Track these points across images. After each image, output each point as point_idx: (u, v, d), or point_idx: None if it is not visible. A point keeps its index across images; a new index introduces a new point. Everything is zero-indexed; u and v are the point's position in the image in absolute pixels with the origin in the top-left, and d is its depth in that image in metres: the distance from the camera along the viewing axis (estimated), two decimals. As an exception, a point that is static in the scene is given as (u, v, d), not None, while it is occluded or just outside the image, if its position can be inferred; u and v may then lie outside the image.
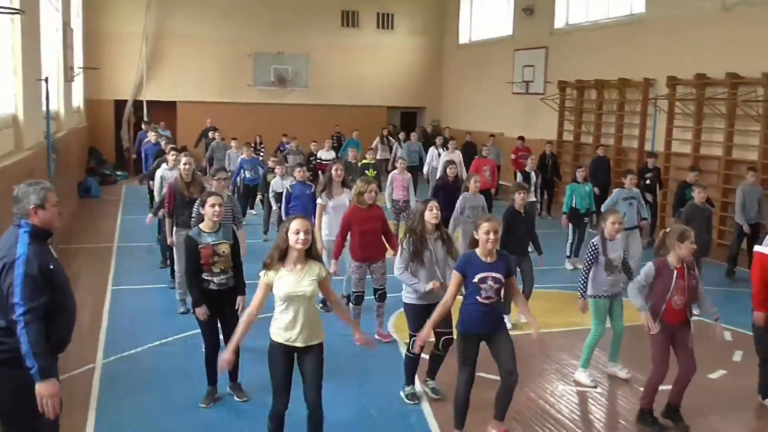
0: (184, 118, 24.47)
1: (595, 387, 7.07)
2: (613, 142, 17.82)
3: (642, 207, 11.03)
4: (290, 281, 4.99)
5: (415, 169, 17.63)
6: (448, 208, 10.74)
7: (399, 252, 6.49)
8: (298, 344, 5.05)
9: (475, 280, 5.45)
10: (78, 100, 21.13)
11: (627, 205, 10.55)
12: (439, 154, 17.18)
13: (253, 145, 20.43)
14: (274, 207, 12.08)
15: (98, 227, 14.87)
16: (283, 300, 5.01)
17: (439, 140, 18.48)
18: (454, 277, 5.62)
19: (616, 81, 17.42)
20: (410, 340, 6.41)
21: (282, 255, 5.02)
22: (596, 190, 13.10)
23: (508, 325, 8.72)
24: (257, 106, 25.08)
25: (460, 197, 9.91)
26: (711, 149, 15.08)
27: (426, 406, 6.48)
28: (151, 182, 12.19)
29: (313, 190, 10.25)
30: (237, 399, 6.48)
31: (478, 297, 5.47)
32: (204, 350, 6.47)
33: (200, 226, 6.39)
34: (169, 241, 9.13)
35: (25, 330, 3.92)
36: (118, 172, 22.90)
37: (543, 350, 8.01)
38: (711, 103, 14.82)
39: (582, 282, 7.04)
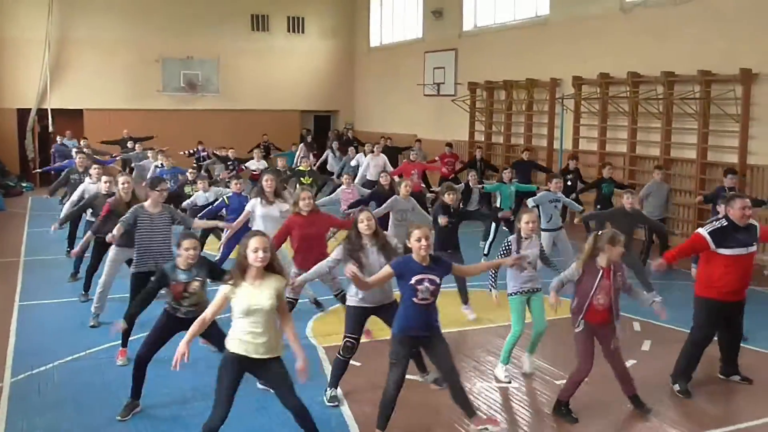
0: (92, 126, 23.69)
1: (509, 383, 7.21)
2: (523, 141, 18.24)
3: (570, 204, 11.56)
4: (249, 295, 5.02)
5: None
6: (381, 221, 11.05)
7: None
8: (255, 356, 5.08)
9: (412, 281, 5.56)
10: (-23, 109, 20.31)
11: (552, 207, 10.82)
12: (359, 165, 17.25)
13: (192, 152, 20.17)
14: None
15: (3, 241, 14.33)
16: (241, 313, 5.03)
17: (368, 147, 18.26)
18: (385, 269, 5.74)
19: (524, 81, 17.85)
20: (342, 341, 6.48)
21: (243, 272, 5.06)
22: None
23: (471, 317, 8.95)
24: (167, 113, 24.56)
25: (391, 198, 10.13)
26: (616, 146, 15.64)
27: (346, 409, 6.51)
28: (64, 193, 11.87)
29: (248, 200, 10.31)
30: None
31: (414, 298, 5.58)
32: (137, 358, 6.31)
33: (177, 261, 6.32)
34: (73, 252, 9.16)
35: None
36: (23, 184, 22.08)
37: (459, 349, 8.13)
38: (614, 101, 15.36)
39: (492, 276, 7.23)
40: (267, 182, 9.24)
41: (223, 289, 5.10)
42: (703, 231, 6.77)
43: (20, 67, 22.91)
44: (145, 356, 6.30)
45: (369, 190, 12.62)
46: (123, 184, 8.93)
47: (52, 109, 23.43)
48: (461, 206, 10.85)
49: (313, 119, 28.04)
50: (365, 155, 17.80)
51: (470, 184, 13.44)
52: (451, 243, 8.99)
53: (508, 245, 7.22)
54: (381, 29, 26.14)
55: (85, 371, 7.40)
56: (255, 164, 17.50)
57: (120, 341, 7.50)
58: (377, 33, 26.35)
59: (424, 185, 16.45)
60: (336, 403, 6.55)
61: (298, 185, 14.12)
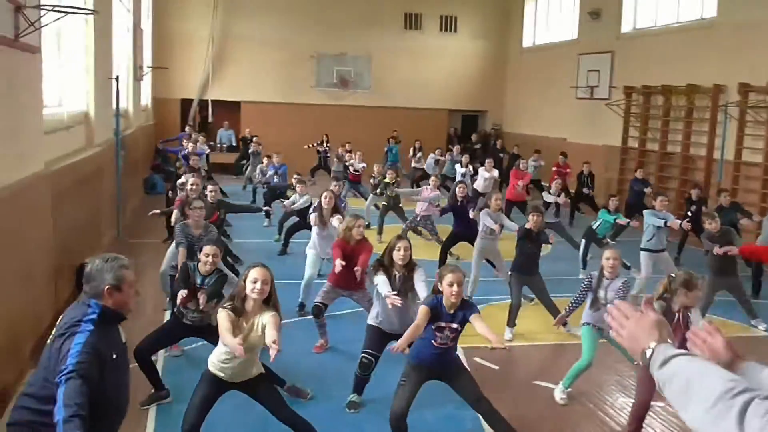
0: (248, 117, 24.81)
1: (564, 405, 6.80)
2: (680, 150, 17.43)
3: (673, 223, 10.50)
4: (241, 332, 4.87)
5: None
6: (459, 227, 10.98)
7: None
8: (234, 380, 5.10)
9: (434, 327, 5.46)
10: (146, 98, 21.64)
11: (656, 228, 10.25)
12: (464, 174, 16.86)
13: (318, 143, 20.75)
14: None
15: (163, 223, 15.12)
16: (228, 351, 4.95)
17: (465, 159, 17.93)
18: (424, 311, 5.49)
19: (684, 87, 17.03)
20: (360, 358, 6.49)
21: (242, 301, 4.95)
22: (634, 223, 12.36)
23: (509, 336, 8.63)
24: (319, 107, 25.27)
25: (482, 213, 10.00)
26: (784, 158, 14.64)
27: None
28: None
29: (343, 204, 10.75)
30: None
31: (433, 341, 5.50)
32: (136, 350, 6.30)
33: (198, 264, 6.52)
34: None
35: (64, 386, 3.39)
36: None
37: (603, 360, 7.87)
38: (784, 110, 14.39)
39: (570, 303, 7.05)
40: (326, 199, 9.12)
41: (222, 313, 4.91)
42: None
43: (185, 60, 24.19)
44: (144, 350, 6.37)
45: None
46: (191, 185, 9.20)
47: (212, 101, 24.65)
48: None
49: (461, 119, 28.00)
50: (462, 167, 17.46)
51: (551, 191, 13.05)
52: (531, 267, 8.69)
53: (589, 282, 6.88)
54: (535, 29, 25.73)
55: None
56: (357, 165, 17.11)
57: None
58: (530, 33, 25.96)
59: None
60: (354, 409, 6.45)
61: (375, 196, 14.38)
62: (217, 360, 5.11)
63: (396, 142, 22.19)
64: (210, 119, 24.35)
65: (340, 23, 25.14)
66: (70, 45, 10.47)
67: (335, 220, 8.84)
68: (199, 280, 6.48)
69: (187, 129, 21.89)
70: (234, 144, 23.56)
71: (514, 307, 8.64)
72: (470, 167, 17.22)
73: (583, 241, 12.05)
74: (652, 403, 5.94)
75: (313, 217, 9.21)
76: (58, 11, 7.35)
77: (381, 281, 6.30)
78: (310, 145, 20.75)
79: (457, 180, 14.07)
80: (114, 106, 12.78)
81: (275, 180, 15.53)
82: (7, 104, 6.40)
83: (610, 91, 20.17)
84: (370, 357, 6.44)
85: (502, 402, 5.87)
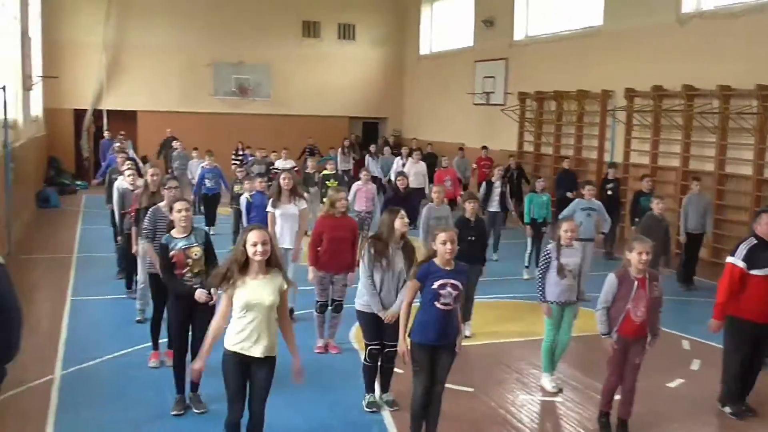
0: (145, 127, 24.28)
1: (559, 392, 7.16)
2: (573, 153, 18.07)
3: (604, 221, 10.95)
4: (250, 290, 4.97)
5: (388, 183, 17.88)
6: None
7: (362, 257, 6.53)
8: (254, 354, 5.03)
9: (435, 286, 5.51)
10: (37, 109, 20.85)
11: (585, 216, 10.53)
12: (404, 165, 17.31)
13: (235, 151, 20.52)
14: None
15: (57, 237, 14.66)
16: (241, 308, 4.98)
17: (404, 150, 18.60)
18: (411, 284, 5.69)
19: (575, 92, 17.70)
20: (366, 349, 6.53)
21: (241, 267, 5.01)
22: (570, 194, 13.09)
23: (467, 333, 8.83)
24: (218, 116, 24.98)
25: (425, 207, 9.97)
26: (668, 160, 15.37)
27: (387, 415, 6.50)
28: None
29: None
30: (195, 410, 6.43)
31: (436, 303, 5.52)
32: (172, 359, 6.47)
33: (171, 232, 6.36)
34: (133, 250, 9.00)
35: None
36: (78, 182, 22.60)
37: (502, 360, 8.09)
38: (668, 114, 15.12)
39: (539, 287, 7.17)
40: (284, 180, 9.16)
41: (223, 295, 5.06)
42: (734, 259, 6.54)
43: (78, 69, 23.48)
44: (180, 349, 6.39)
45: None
46: (152, 175, 8.99)
47: (107, 110, 23.98)
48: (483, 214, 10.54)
49: (361, 126, 28.18)
50: (402, 159, 17.83)
51: (492, 179, 13.47)
52: (474, 255, 8.67)
53: (547, 254, 7.16)
54: (431, 37, 26.19)
55: (131, 367, 7.52)
56: (281, 163, 17.40)
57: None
58: (428, 41, 26.41)
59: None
60: (374, 409, 6.54)
61: (325, 188, 14.32)
62: (234, 338, 5.03)
63: (311, 152, 22.27)
64: (105, 129, 23.65)
65: (237, 31, 24.93)
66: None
67: (302, 202, 9.04)
68: (181, 244, 6.25)
69: (106, 134, 21.36)
70: (133, 157, 22.94)
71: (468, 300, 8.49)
72: (410, 159, 17.29)
73: (528, 239, 12.14)
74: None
75: (270, 203, 9.14)
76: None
77: (368, 287, 6.37)
78: (233, 155, 20.50)
79: (395, 171, 14.27)
80: (1, 116, 12.29)
81: (206, 184, 15.08)
82: None
83: (506, 97, 20.73)
84: (376, 347, 6.47)
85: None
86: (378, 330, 6.47)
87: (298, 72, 25.92)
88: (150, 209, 7.63)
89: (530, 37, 20.37)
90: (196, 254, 6.26)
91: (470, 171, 19.53)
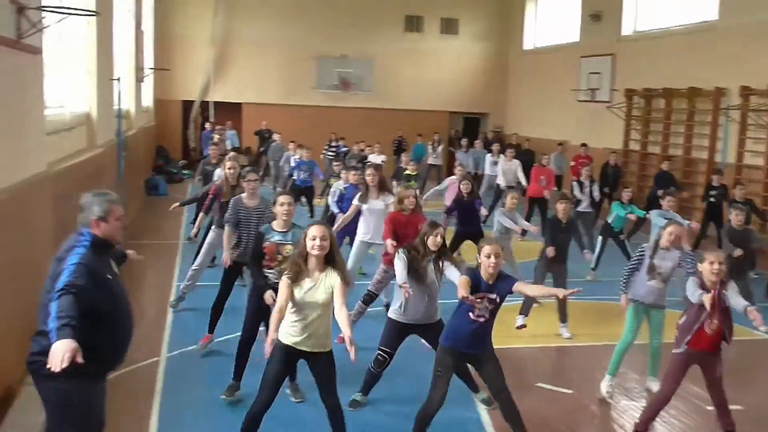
0: (249, 119, 24.87)
1: (610, 398, 6.94)
2: (682, 153, 17.43)
3: (682, 223, 10.47)
4: (305, 287, 5.04)
5: (477, 177, 17.74)
6: (463, 224, 10.93)
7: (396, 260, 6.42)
8: (303, 348, 5.11)
9: (472, 297, 5.41)
10: (148, 100, 21.63)
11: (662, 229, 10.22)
12: (495, 162, 17.09)
13: (329, 144, 20.76)
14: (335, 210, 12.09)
15: (164, 224, 15.16)
16: (295, 304, 5.05)
17: (495, 147, 18.31)
18: (464, 280, 5.43)
19: (685, 90, 17.03)
20: (375, 354, 6.49)
21: (304, 260, 5.06)
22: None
23: (567, 335, 8.69)
24: (320, 109, 25.32)
25: (497, 212, 9.99)
26: (785, 162, 14.62)
27: (483, 414, 6.44)
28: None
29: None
30: (293, 399, 6.53)
31: (470, 313, 5.45)
32: (239, 342, 6.57)
33: (272, 224, 6.44)
34: (192, 233, 9.51)
35: (56, 301, 3.68)
36: (185, 171, 23.34)
37: (603, 363, 7.87)
38: (785, 113, 14.38)
39: (624, 282, 7.03)
40: (369, 176, 9.21)
41: (284, 279, 5.08)
42: None
43: (187, 61, 24.29)
44: (246, 339, 6.54)
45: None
46: (230, 169, 9.15)
47: (214, 102, 24.68)
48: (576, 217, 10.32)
49: (462, 121, 28.01)
50: (493, 156, 17.57)
51: (581, 179, 13.30)
52: (559, 256, 8.75)
53: (641, 252, 6.97)
54: (536, 32, 25.75)
55: (234, 350, 7.67)
56: (374, 158, 17.35)
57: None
58: (531, 36, 25.98)
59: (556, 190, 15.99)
60: (355, 408, 6.45)
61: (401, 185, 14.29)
62: (288, 330, 5.13)
63: (401, 143, 22.36)
64: (211, 120, 24.38)
65: (341, 25, 25.19)
66: (72, 46, 10.48)
67: (389, 197, 9.02)
68: (277, 238, 6.31)
69: (207, 126, 21.99)
70: (237, 145, 23.56)
71: (530, 298, 8.56)
72: (502, 156, 17.11)
73: (600, 238, 11.97)
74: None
75: (357, 196, 9.33)
76: (60, 12, 7.35)
77: (399, 268, 6.23)
78: (325, 148, 20.75)
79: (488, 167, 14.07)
80: (116, 107, 12.79)
81: (300, 176, 15.23)
82: (9, 105, 6.40)
83: (612, 94, 20.17)
84: (385, 354, 6.44)
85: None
86: (396, 342, 6.44)
87: (400, 66, 25.97)
88: (232, 199, 7.70)
89: (639, 32, 19.73)
90: (287, 252, 6.27)
91: (567, 167, 19.10)
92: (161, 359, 7.43)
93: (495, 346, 5.66)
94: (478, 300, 5.38)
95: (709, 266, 5.70)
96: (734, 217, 9.45)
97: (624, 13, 20.10)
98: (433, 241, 6.24)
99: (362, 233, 9.17)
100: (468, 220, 10.89)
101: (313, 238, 5.00)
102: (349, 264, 9.00)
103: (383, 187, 9.26)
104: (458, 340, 5.56)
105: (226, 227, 7.55)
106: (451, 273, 6.10)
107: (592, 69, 21.17)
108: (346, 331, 4.74)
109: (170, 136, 24.53)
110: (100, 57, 11.35)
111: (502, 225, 9.93)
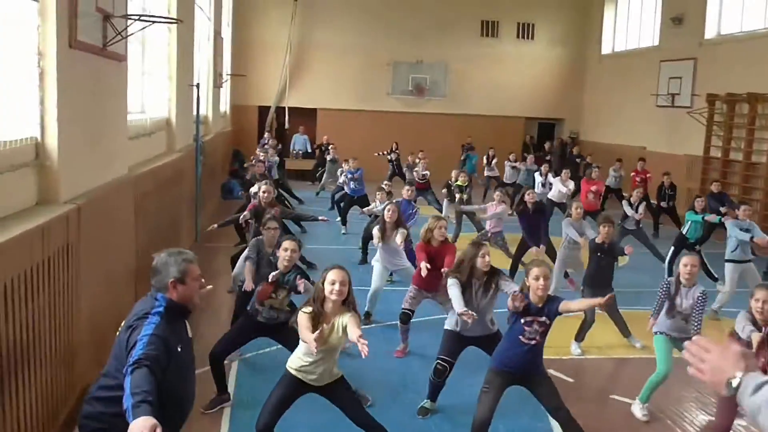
0: (324, 124, 25.13)
1: (646, 421, 6.62)
2: (765, 160, 16.83)
3: (761, 236, 9.97)
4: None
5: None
6: (530, 236, 10.81)
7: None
8: (313, 384, 5.13)
9: (522, 321, 5.38)
10: (225, 105, 22.08)
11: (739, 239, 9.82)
12: (543, 184, 16.32)
13: (387, 151, 20.74)
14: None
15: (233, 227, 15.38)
16: (307, 348, 4.96)
17: (544, 168, 17.01)
18: (521, 295, 5.42)
19: (771, 95, 16.46)
20: (435, 364, 6.45)
21: (321, 303, 4.96)
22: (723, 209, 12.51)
23: (638, 345, 8.46)
24: (394, 114, 25.40)
25: (564, 221, 9.85)
26: None
27: (555, 425, 6.31)
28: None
29: (414, 210, 10.92)
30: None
31: (521, 336, 5.41)
32: (213, 351, 6.47)
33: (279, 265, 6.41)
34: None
35: (130, 376, 3.40)
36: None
37: (681, 376, 7.64)
38: None
39: (654, 312, 6.83)
40: (388, 213, 8.86)
41: (302, 315, 4.94)
42: None
43: (263, 67, 24.69)
44: (219, 353, 6.45)
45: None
46: (264, 193, 9.20)
47: (288, 108, 25.03)
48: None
49: (537, 126, 27.69)
50: (541, 176, 16.59)
51: (631, 199, 12.94)
52: (603, 280, 8.37)
53: (666, 286, 6.69)
54: (614, 36, 25.28)
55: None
56: (421, 171, 16.62)
57: None
58: (610, 40, 25.52)
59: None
60: (424, 415, 6.44)
61: (451, 197, 14.20)
62: (298, 364, 5.15)
63: (469, 149, 22.10)
64: (286, 126, 24.74)
65: (416, 31, 25.22)
66: (154, 53, 10.77)
67: (399, 236, 8.65)
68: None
69: (266, 135, 22.21)
70: (309, 150, 23.84)
71: (587, 323, 8.31)
72: (550, 176, 16.65)
73: (672, 248, 11.68)
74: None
75: (375, 231, 8.96)
76: (144, 20, 7.56)
77: (455, 296, 6.15)
78: (380, 153, 20.77)
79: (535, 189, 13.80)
80: (194, 112, 13.08)
81: (351, 185, 15.18)
82: (94, 110, 6.61)
83: (692, 99, 19.63)
84: (444, 363, 6.40)
85: (577, 415, 5.76)
86: (455, 351, 6.40)
87: (475, 71, 25.84)
88: (255, 239, 7.62)
89: (723, 35, 19.15)
90: (281, 295, 6.39)
91: (623, 183, 18.14)
92: (233, 361, 7.52)
93: (571, 357, 5.57)
94: (529, 320, 5.36)
95: (755, 303, 5.46)
96: None
97: (707, 16, 19.52)
98: (482, 263, 6.17)
99: (381, 260, 9.08)
100: (533, 229, 10.85)
101: (332, 282, 4.88)
102: (373, 286, 9.00)
103: (399, 224, 8.90)
104: (509, 362, 5.53)
105: (247, 263, 7.42)
106: (510, 287, 6.05)
107: (673, 73, 20.65)
108: (355, 331, 4.63)
109: (246, 140, 24.95)
110: (180, 63, 11.63)
111: (568, 235, 9.74)
